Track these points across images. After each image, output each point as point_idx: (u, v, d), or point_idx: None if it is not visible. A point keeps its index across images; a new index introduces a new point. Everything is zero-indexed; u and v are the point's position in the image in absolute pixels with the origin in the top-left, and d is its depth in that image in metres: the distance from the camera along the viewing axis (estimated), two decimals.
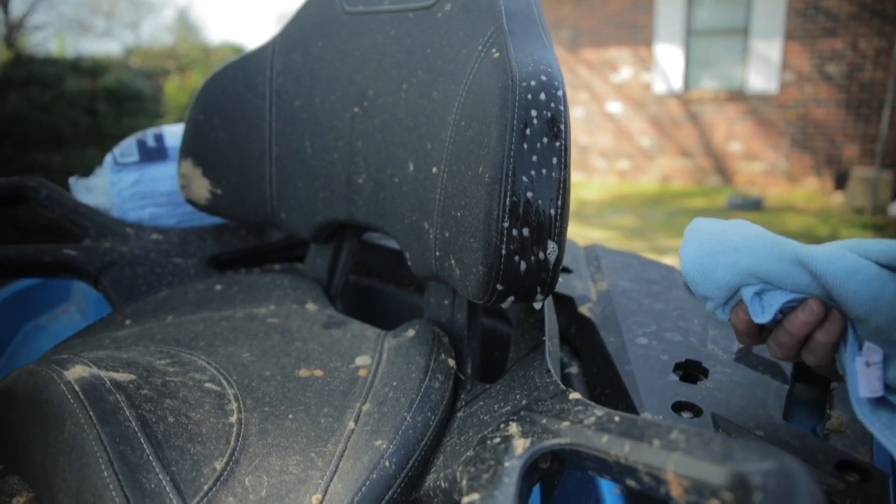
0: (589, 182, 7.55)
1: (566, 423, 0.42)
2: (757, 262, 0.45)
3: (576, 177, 7.67)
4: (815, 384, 0.62)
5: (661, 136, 7.19)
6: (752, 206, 5.76)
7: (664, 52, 6.95)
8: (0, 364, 1.01)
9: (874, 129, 6.09)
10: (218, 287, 0.83)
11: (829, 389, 0.60)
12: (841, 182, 6.13)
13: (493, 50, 0.58)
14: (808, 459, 0.48)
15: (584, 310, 0.73)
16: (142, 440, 0.48)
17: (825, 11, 6.12)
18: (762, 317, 0.46)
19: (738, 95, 6.67)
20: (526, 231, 0.53)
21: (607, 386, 0.63)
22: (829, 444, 0.50)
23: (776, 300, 0.45)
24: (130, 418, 0.50)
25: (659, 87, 7.07)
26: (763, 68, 6.48)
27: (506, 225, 0.53)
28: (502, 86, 0.54)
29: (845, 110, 6.23)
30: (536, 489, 0.66)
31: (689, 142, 7.06)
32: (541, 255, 0.54)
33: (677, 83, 6.94)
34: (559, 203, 0.53)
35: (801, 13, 6.21)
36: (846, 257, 0.43)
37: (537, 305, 0.59)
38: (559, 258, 0.55)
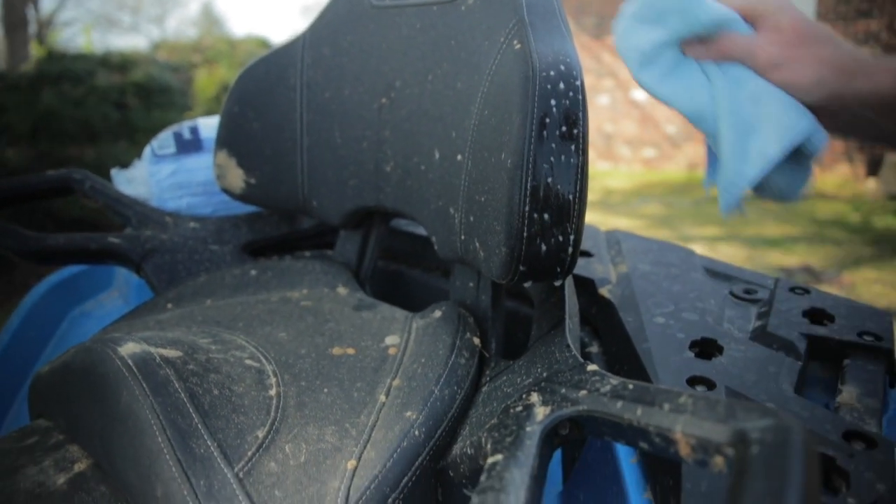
0: (614, 171, 7.50)
1: (584, 392, 0.45)
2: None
3: (601, 165, 7.63)
4: (829, 361, 0.64)
5: (688, 124, 7.07)
6: None
7: None
8: (51, 346, 1.07)
9: None
10: (253, 272, 0.87)
11: (842, 366, 0.62)
12: (874, 168, 6.00)
13: (515, 41, 0.61)
14: (816, 429, 0.50)
15: (604, 292, 0.76)
16: (190, 410, 0.52)
17: None
18: None
19: None
20: (546, 215, 0.56)
21: (625, 363, 0.65)
22: (838, 416, 0.52)
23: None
24: (180, 390, 0.54)
25: None
26: None
27: (527, 209, 0.56)
28: (523, 76, 0.57)
29: None
30: (559, 462, 0.69)
31: None
32: (560, 237, 0.57)
33: None
34: (577, 188, 0.56)
35: None
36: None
37: (557, 283, 0.62)
38: (577, 240, 0.58)
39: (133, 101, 5.35)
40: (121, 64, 5.78)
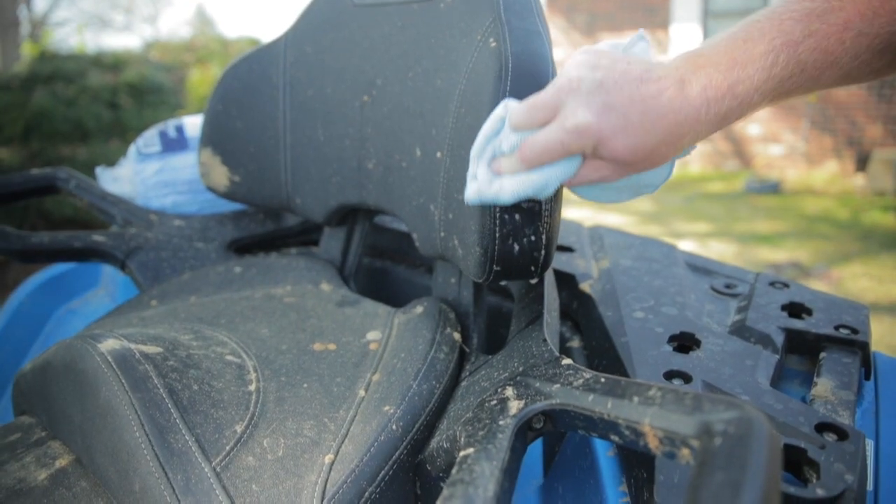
0: None
1: (557, 386, 0.46)
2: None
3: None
4: (806, 354, 0.65)
5: None
6: (770, 190, 5.71)
7: (681, 34, 6.87)
8: (37, 344, 1.07)
9: None
10: (237, 269, 0.87)
11: (819, 359, 0.62)
12: (862, 164, 6.04)
13: (491, 40, 0.61)
14: (790, 421, 0.50)
15: (585, 287, 0.76)
16: (169, 405, 0.53)
17: None
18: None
19: None
20: (518, 215, 0.57)
21: (604, 357, 0.66)
22: (811, 408, 0.53)
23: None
24: (158, 386, 0.54)
25: None
26: None
27: (498, 209, 0.56)
28: (496, 74, 0.57)
29: (867, 91, 6.12)
30: (539, 456, 0.70)
31: None
32: (532, 237, 0.57)
33: None
34: None
35: None
36: None
37: (533, 281, 0.62)
38: (550, 239, 0.58)
39: (125, 101, 5.31)
40: (113, 64, 5.74)
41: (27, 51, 6.87)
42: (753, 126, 6.72)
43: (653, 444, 0.38)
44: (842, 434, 0.49)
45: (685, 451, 0.36)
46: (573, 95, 0.48)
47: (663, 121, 0.48)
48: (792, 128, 6.53)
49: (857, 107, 6.19)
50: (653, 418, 0.38)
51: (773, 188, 5.72)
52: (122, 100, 5.25)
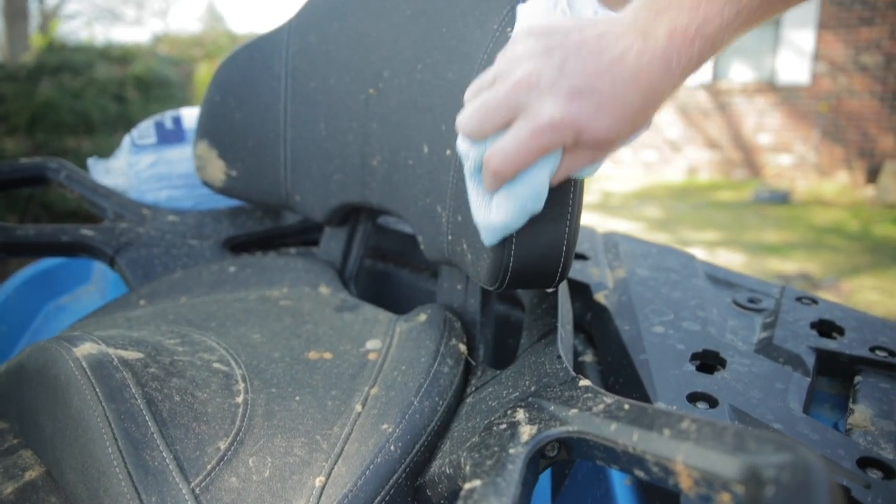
0: (614, 174, 7.46)
1: (574, 411, 0.41)
2: None
3: (601, 168, 7.59)
4: (839, 378, 0.60)
5: (689, 128, 7.07)
6: (779, 200, 5.65)
7: None
8: (23, 342, 1.03)
9: None
10: (232, 269, 0.83)
11: (853, 383, 0.58)
12: (874, 175, 5.98)
13: (508, 29, 0.57)
14: (828, 454, 0.46)
15: (599, 297, 0.72)
16: (146, 418, 0.48)
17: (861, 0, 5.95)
18: None
19: (768, 86, 6.53)
20: (538, 216, 0.52)
21: (621, 375, 0.61)
22: (851, 440, 0.48)
23: None
24: (136, 396, 0.49)
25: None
26: (795, 59, 6.32)
27: None
28: None
29: (880, 102, 6.06)
30: (547, 479, 0.65)
31: (717, 133, 6.93)
32: (553, 241, 0.52)
33: (706, 73, 6.81)
34: (571, 189, 0.52)
35: (836, 2, 6.04)
36: None
37: (549, 290, 0.57)
38: (571, 244, 0.53)
39: (132, 94, 5.31)
40: (121, 56, 5.74)
41: (35, 42, 6.86)
42: (764, 135, 6.67)
43: (685, 484, 0.33)
44: (888, 471, 0.44)
45: (725, 497, 0.31)
46: (535, 92, 0.43)
47: (636, 84, 0.43)
48: (803, 137, 6.47)
49: (869, 118, 6.13)
50: (687, 455, 0.33)
51: (783, 198, 5.66)
52: (128, 93, 5.24)
